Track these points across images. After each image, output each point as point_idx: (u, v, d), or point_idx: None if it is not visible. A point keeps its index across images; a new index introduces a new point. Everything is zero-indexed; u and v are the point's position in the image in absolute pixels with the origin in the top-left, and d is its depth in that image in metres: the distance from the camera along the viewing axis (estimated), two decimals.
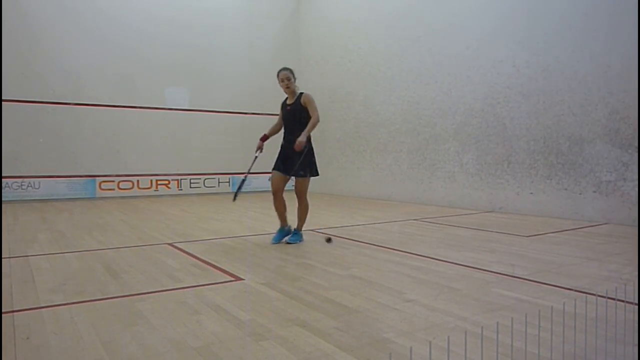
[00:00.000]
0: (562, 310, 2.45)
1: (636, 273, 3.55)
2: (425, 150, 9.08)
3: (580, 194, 6.61)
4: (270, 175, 4.98)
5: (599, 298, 2.48)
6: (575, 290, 3.10)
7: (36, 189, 9.67)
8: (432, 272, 3.63)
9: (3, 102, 9.22)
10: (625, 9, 6.04)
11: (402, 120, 9.57)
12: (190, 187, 11.38)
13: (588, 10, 6.47)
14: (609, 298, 2.65)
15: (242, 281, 3.41)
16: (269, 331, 2.40)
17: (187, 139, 11.37)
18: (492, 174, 7.83)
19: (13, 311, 2.72)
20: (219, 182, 11.73)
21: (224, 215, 7.56)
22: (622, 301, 2.60)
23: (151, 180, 10.82)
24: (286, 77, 4.88)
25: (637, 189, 5.98)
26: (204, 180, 11.56)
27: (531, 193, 7.23)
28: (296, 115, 4.84)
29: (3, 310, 2.69)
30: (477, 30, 7.99)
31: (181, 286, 3.28)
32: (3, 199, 9.16)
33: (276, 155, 4.96)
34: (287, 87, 4.87)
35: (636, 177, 5.98)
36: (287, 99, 4.98)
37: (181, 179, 11.29)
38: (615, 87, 6.19)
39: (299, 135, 4.66)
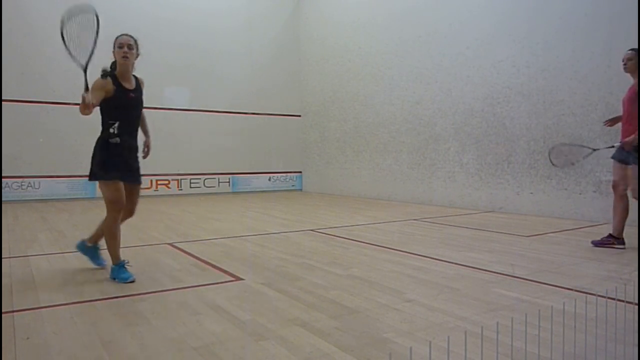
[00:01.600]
0: (562, 310, 2.45)
1: (636, 273, 3.55)
2: (425, 150, 9.07)
3: (580, 194, 6.60)
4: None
5: (599, 298, 2.48)
6: (575, 290, 3.10)
7: (36, 189, 9.67)
8: (432, 272, 3.63)
9: (3, 102, 9.22)
10: (625, 9, 6.04)
11: (402, 120, 9.57)
12: (190, 187, 11.37)
13: (588, 11, 6.46)
14: (609, 298, 2.65)
15: (242, 281, 3.41)
16: (269, 331, 2.39)
17: (188, 139, 11.36)
18: (492, 174, 7.83)
19: (13, 311, 2.72)
20: (219, 182, 11.73)
21: (224, 215, 7.56)
22: (622, 301, 2.60)
23: (151, 180, 10.81)
24: (127, 43, 3.50)
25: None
26: (204, 180, 11.56)
27: (531, 193, 7.23)
28: (140, 107, 3.70)
29: (3, 310, 2.69)
30: (477, 30, 7.99)
31: (181, 286, 3.28)
32: (3, 199, 9.16)
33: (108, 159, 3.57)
34: (126, 59, 3.49)
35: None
36: (119, 80, 3.52)
37: (181, 179, 11.29)
38: (615, 87, 6.19)
39: (135, 136, 3.68)
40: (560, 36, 6.80)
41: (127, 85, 3.57)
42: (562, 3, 6.76)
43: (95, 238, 3.81)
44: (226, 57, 11.78)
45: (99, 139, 3.56)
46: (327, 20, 11.72)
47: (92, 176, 3.55)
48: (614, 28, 6.19)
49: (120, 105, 3.51)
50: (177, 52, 11.07)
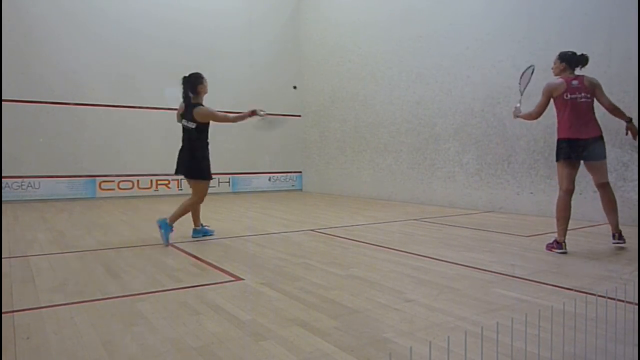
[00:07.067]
0: (562, 310, 2.45)
1: (636, 273, 3.55)
2: (425, 150, 9.07)
3: (580, 194, 6.59)
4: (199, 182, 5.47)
5: (599, 298, 2.48)
6: (575, 290, 3.10)
7: (36, 189, 9.66)
8: (432, 272, 3.63)
9: (3, 102, 9.22)
10: (625, 9, 6.04)
11: (402, 120, 9.57)
12: (191, 187, 11.36)
13: (588, 11, 6.46)
14: (609, 298, 2.65)
15: (242, 281, 3.41)
16: (269, 331, 2.40)
17: None
18: (492, 174, 7.83)
19: (13, 311, 2.72)
20: (219, 182, 11.72)
21: (224, 215, 7.56)
22: (622, 301, 2.60)
23: (151, 180, 10.81)
24: None
25: (637, 189, 5.98)
26: None
27: (531, 193, 7.23)
28: None
29: (3, 310, 2.69)
30: (477, 30, 7.98)
31: (181, 286, 3.28)
32: (3, 199, 9.16)
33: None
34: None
35: (636, 177, 5.98)
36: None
37: (181, 179, 11.27)
38: (615, 87, 6.19)
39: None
40: (560, 36, 6.80)
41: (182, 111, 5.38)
42: (562, 3, 6.76)
43: (173, 219, 4.91)
44: (226, 58, 11.77)
45: (202, 146, 5.43)
46: (327, 21, 11.72)
47: (208, 175, 5.38)
48: (614, 28, 6.18)
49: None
50: (177, 52, 11.05)
